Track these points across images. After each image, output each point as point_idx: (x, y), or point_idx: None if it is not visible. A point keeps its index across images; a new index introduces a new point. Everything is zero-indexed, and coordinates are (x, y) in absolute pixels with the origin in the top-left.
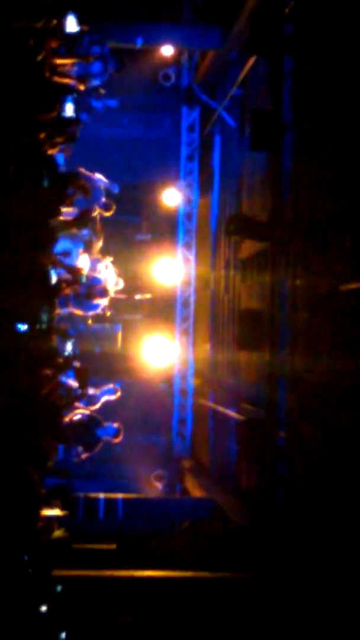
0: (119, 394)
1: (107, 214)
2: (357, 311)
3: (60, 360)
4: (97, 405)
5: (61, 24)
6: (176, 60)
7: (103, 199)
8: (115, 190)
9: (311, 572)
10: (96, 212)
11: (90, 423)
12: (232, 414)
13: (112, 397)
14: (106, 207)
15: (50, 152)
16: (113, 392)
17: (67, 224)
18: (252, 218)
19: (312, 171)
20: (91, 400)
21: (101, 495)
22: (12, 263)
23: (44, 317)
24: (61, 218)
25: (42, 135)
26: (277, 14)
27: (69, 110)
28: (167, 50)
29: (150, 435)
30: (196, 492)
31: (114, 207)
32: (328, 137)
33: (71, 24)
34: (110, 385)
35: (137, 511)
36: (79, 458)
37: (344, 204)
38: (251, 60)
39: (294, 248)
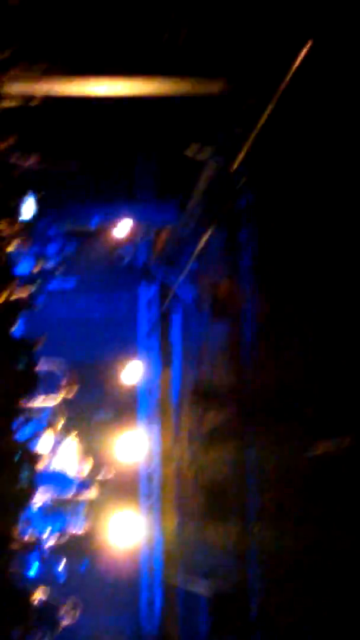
0: None
1: (72, 393)
2: (321, 479)
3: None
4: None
5: (18, 207)
6: (132, 238)
7: (64, 378)
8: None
9: None
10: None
11: (47, 607)
12: (201, 589)
13: None
14: (72, 386)
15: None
16: None
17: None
18: (215, 389)
19: (272, 342)
20: None
21: None
22: None
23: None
24: None
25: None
26: (230, 187)
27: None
28: (121, 231)
29: (118, 615)
30: None
31: (76, 384)
32: (288, 306)
33: (29, 206)
34: None
35: None
36: None
37: (304, 375)
38: (207, 234)
39: (257, 418)
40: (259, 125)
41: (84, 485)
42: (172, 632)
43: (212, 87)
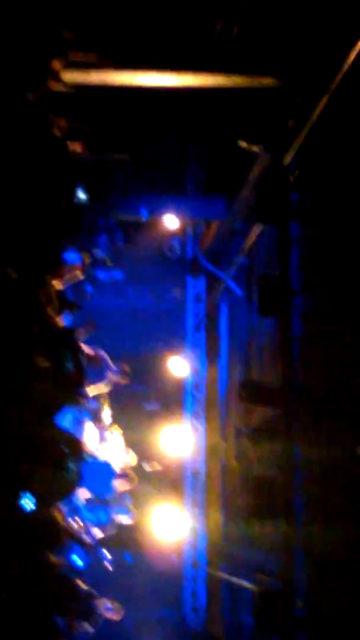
0: None
1: (124, 382)
2: None
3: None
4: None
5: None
6: (181, 232)
7: (114, 367)
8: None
9: None
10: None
11: (87, 598)
12: (247, 585)
13: None
14: (123, 375)
15: (57, 321)
16: None
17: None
18: (263, 384)
19: (322, 336)
20: None
21: None
22: (17, 434)
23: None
24: None
25: (47, 307)
26: (282, 182)
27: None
28: (171, 223)
29: (162, 609)
30: None
31: (129, 373)
32: (337, 302)
33: (79, 196)
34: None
35: None
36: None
37: (352, 371)
38: (256, 229)
39: (306, 413)
40: (311, 120)
41: (129, 477)
42: (216, 627)
43: (264, 81)
